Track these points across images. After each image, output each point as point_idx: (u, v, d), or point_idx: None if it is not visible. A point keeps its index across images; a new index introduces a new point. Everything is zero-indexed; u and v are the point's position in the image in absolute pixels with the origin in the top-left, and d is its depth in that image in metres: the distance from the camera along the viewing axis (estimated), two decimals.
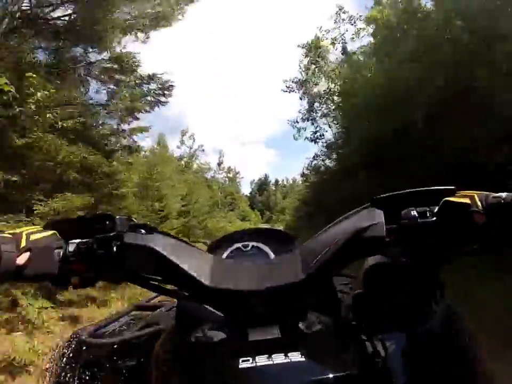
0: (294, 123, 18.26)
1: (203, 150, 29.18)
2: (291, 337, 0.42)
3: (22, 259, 0.38)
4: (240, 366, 0.38)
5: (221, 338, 0.43)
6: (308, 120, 17.75)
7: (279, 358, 0.39)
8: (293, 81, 17.66)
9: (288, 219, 29.01)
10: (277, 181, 75.86)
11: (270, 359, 0.39)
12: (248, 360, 0.39)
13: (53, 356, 0.59)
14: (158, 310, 0.73)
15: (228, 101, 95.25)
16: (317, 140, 17.36)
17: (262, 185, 74.94)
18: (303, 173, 19.09)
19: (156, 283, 0.46)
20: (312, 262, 0.44)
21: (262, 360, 0.39)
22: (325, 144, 16.55)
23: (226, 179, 39.50)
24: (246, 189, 68.02)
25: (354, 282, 0.61)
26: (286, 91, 17.70)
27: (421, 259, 0.43)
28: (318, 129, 17.56)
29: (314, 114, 17.59)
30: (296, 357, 0.39)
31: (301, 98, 17.83)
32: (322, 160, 16.72)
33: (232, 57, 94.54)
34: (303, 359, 0.39)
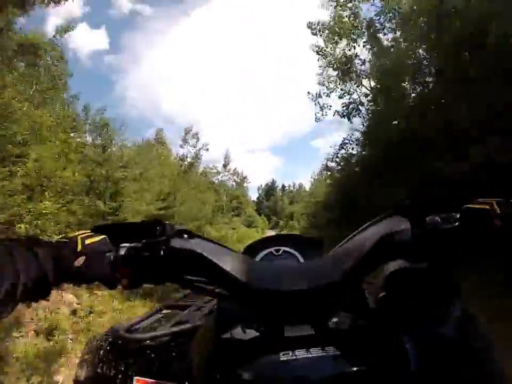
0: (316, 98, 13.62)
1: (207, 149, 25.20)
2: (324, 334, 0.45)
3: (79, 262, 0.42)
4: (281, 359, 0.42)
5: (259, 335, 0.46)
6: (335, 89, 13.07)
7: (316, 352, 0.42)
8: (321, 24, 12.73)
9: (300, 227, 24.89)
10: (283, 186, 74.06)
11: (309, 352, 0.42)
12: (288, 353, 0.42)
13: (90, 348, 0.60)
14: (187, 309, 0.76)
15: (235, 108, 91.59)
16: (350, 116, 12.84)
17: (269, 191, 73.08)
18: (327, 166, 14.06)
19: (199, 284, 0.48)
20: (344, 265, 0.45)
21: (301, 353, 0.42)
22: (362, 121, 12.33)
23: (234, 183, 34.99)
24: (253, 195, 65.48)
25: (373, 286, 0.59)
26: (313, 33, 12.88)
27: (441, 263, 0.46)
28: (350, 100, 12.95)
29: (345, 83, 12.91)
30: (332, 350, 0.42)
31: (327, 47, 12.82)
32: (353, 148, 12.50)
33: (238, 64, 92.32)
34: (339, 352, 0.42)
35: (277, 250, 0.66)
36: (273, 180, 76.87)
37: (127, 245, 0.44)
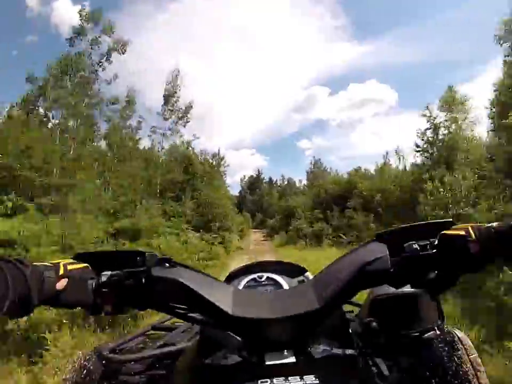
0: None
1: (124, 52, 11.61)
2: (305, 361, 0.45)
3: (61, 285, 0.43)
4: None
5: (240, 361, 0.47)
6: None
7: (295, 381, 0.42)
8: None
9: None
10: (271, 179, 61.42)
11: (287, 381, 0.42)
12: (267, 381, 0.42)
13: (73, 367, 0.59)
14: (174, 331, 0.76)
15: (221, 101, 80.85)
16: None
17: (253, 184, 60.07)
18: None
19: (181, 311, 0.49)
20: (324, 293, 0.46)
21: (280, 382, 0.42)
22: None
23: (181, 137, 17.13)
24: (235, 190, 53.05)
25: (360, 310, 0.59)
26: None
27: (422, 288, 0.47)
28: None
29: None
30: (311, 379, 0.42)
31: None
32: None
33: (228, 59, 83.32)
34: (317, 381, 0.42)
35: (260, 277, 0.69)
36: (259, 171, 64.33)
37: (108, 273, 0.45)
